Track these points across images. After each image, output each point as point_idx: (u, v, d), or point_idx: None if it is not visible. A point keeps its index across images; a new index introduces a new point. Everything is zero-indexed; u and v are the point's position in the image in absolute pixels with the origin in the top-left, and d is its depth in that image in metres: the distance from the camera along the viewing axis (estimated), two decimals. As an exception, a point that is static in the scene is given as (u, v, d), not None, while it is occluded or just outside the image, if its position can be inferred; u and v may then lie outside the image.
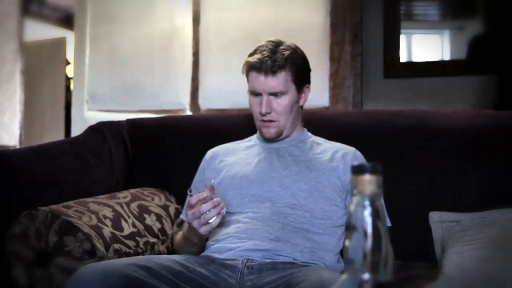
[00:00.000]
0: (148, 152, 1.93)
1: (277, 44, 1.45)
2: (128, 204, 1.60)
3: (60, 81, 4.48)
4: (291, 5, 2.48)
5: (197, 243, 1.38)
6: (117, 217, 1.51)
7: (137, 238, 1.51)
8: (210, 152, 1.61)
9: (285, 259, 1.28)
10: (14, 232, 1.37)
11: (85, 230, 1.35)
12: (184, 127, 1.94)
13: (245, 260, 1.26)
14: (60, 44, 4.52)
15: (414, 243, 1.55)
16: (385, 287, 0.57)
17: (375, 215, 0.58)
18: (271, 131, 1.48)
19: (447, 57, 2.91)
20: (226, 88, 2.51)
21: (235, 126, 1.84)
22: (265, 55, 1.41)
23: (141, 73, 2.73)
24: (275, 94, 1.44)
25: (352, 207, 0.60)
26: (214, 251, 1.34)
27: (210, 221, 1.26)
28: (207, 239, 1.40)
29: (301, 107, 1.55)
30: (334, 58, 2.39)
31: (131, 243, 1.48)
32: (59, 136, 4.25)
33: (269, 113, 1.45)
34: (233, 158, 1.55)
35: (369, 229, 0.58)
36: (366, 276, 0.57)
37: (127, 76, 2.75)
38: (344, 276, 0.59)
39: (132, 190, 1.73)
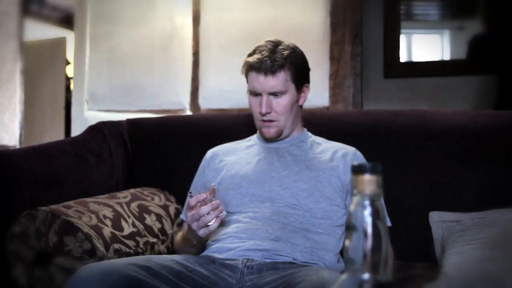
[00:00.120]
0: (148, 152, 1.93)
1: (276, 44, 1.45)
2: (128, 204, 1.60)
3: (60, 81, 4.48)
4: (291, 5, 2.48)
5: (197, 244, 1.38)
6: (117, 217, 1.51)
7: (137, 238, 1.51)
8: (210, 152, 1.61)
9: (285, 259, 1.28)
10: (14, 232, 1.37)
11: (85, 230, 1.35)
12: (184, 127, 1.94)
13: (245, 260, 1.26)
14: (60, 44, 4.52)
15: (414, 243, 1.55)
16: (385, 287, 0.57)
17: (375, 215, 0.58)
18: (271, 131, 1.48)
19: (447, 57, 2.91)
20: (226, 88, 2.51)
21: (235, 126, 1.84)
22: (265, 55, 1.42)
23: (141, 73, 2.73)
24: (274, 94, 1.44)
25: (352, 207, 0.60)
26: (214, 251, 1.34)
27: (209, 224, 1.26)
28: (206, 240, 1.40)
29: (301, 106, 1.55)
30: (334, 58, 2.39)
31: (131, 243, 1.48)
32: (59, 136, 4.25)
33: (269, 113, 1.45)
34: (233, 158, 1.55)
35: (369, 229, 0.58)
36: (366, 276, 0.57)
37: (127, 76, 2.75)
38: (344, 276, 0.59)
39: (132, 190, 1.73)
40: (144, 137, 1.96)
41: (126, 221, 1.52)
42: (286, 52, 1.43)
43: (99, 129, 1.90)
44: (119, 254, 1.41)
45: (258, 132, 1.59)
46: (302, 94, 1.52)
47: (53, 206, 1.41)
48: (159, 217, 1.65)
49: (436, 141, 1.61)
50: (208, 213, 1.25)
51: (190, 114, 2.62)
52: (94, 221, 1.42)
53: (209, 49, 2.60)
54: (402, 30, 2.83)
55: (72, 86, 3.17)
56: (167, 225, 1.66)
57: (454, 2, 2.89)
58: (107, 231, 1.42)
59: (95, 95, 2.82)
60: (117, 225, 1.48)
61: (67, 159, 1.72)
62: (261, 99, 1.44)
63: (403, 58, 2.86)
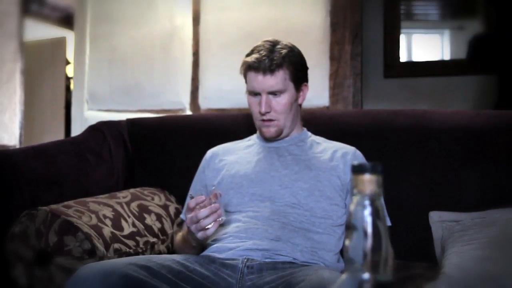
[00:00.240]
0: (148, 152, 1.93)
1: (274, 44, 1.45)
2: (128, 203, 1.60)
3: (60, 81, 4.48)
4: (291, 5, 2.47)
5: (196, 246, 1.37)
6: (117, 217, 1.51)
7: (137, 237, 1.51)
8: (210, 152, 1.61)
9: (285, 259, 1.28)
10: (14, 232, 1.37)
11: (85, 230, 1.35)
12: (184, 127, 1.94)
13: (245, 260, 1.26)
14: (60, 43, 4.52)
15: (414, 243, 1.55)
16: (385, 287, 0.57)
17: (375, 214, 0.58)
18: (271, 130, 1.48)
19: (447, 56, 2.92)
20: (226, 88, 2.51)
21: (235, 125, 1.84)
22: (263, 54, 1.42)
23: (141, 73, 2.73)
24: (274, 93, 1.44)
25: (352, 207, 0.60)
26: (214, 250, 1.34)
27: (207, 227, 1.26)
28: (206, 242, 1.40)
29: (300, 105, 1.55)
30: (334, 58, 2.38)
31: (131, 242, 1.48)
32: (59, 136, 4.25)
33: (268, 112, 1.45)
34: (233, 158, 1.55)
35: (369, 229, 0.58)
36: (366, 275, 0.57)
37: (127, 75, 2.75)
38: (344, 276, 0.59)
39: (132, 190, 1.73)
40: (144, 137, 1.96)
41: (126, 221, 1.52)
42: (284, 51, 1.43)
43: (99, 129, 1.90)
44: (119, 254, 1.41)
45: (258, 132, 1.59)
46: (301, 93, 1.52)
47: (53, 206, 1.41)
48: (159, 217, 1.65)
49: (436, 141, 1.61)
50: (207, 217, 1.25)
51: (190, 114, 2.62)
52: (94, 221, 1.42)
53: (209, 49, 2.60)
54: (402, 30, 2.83)
55: (72, 86, 3.17)
56: (167, 225, 1.66)
57: (454, 2, 2.90)
58: (107, 231, 1.42)
59: (95, 95, 2.82)
60: (117, 225, 1.48)
61: (67, 159, 1.72)
62: (261, 99, 1.44)
63: (403, 58, 2.86)
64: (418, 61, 2.91)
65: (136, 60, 2.74)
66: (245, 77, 1.49)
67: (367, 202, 0.59)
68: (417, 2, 2.98)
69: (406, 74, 2.83)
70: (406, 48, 2.91)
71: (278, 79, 1.42)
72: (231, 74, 2.25)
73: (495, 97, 2.67)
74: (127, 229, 1.50)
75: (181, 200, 1.70)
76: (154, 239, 1.57)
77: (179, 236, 1.51)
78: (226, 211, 1.43)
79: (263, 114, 1.46)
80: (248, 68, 1.44)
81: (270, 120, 1.47)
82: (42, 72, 4.44)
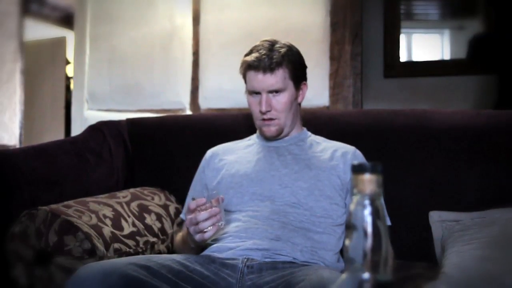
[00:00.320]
0: (148, 152, 1.93)
1: (272, 43, 1.46)
2: (128, 203, 1.60)
3: (60, 81, 4.48)
4: (291, 5, 2.47)
5: (195, 248, 1.37)
6: (117, 217, 1.51)
7: (137, 237, 1.51)
8: (209, 152, 1.61)
9: (285, 259, 1.28)
10: (14, 232, 1.37)
11: (85, 230, 1.35)
12: (184, 127, 1.94)
13: (245, 260, 1.26)
14: (60, 43, 4.52)
15: (414, 243, 1.55)
16: (385, 287, 0.57)
17: (375, 214, 0.58)
18: (271, 130, 1.49)
19: (447, 56, 2.91)
20: (226, 88, 2.51)
21: (235, 125, 1.84)
22: (262, 53, 1.42)
23: (141, 72, 2.73)
24: (274, 92, 1.45)
25: (352, 207, 0.60)
26: (214, 250, 1.34)
27: (206, 230, 1.26)
28: (205, 244, 1.40)
29: (299, 105, 1.55)
30: (334, 58, 2.38)
31: (131, 242, 1.48)
32: (59, 135, 4.25)
33: (269, 111, 1.45)
34: (233, 157, 1.55)
35: (369, 229, 0.58)
36: (366, 275, 0.57)
37: (127, 75, 2.75)
38: (344, 276, 0.59)
39: (132, 190, 1.73)
40: (144, 136, 1.96)
41: (126, 221, 1.52)
42: (283, 50, 1.44)
43: (99, 129, 1.90)
44: (119, 253, 1.41)
45: (258, 131, 1.59)
46: (301, 92, 1.52)
47: (53, 206, 1.41)
48: (159, 217, 1.65)
49: (436, 141, 1.61)
50: (206, 220, 1.25)
51: (190, 113, 2.62)
52: (94, 220, 1.42)
53: (209, 48, 2.60)
54: (402, 30, 2.83)
55: (72, 86, 3.17)
56: (167, 225, 1.66)
57: (454, 1, 2.90)
58: (107, 230, 1.42)
59: (95, 94, 2.82)
60: (117, 225, 1.48)
61: (67, 159, 1.72)
62: (261, 98, 1.45)
63: (403, 57, 2.86)
64: (418, 61, 2.91)
65: (136, 60, 2.74)
66: (244, 77, 1.49)
67: (367, 202, 0.59)
68: (417, 2, 2.98)
69: (406, 74, 2.83)
70: (406, 48, 2.91)
71: (278, 78, 1.43)
72: (231, 73, 2.25)
73: (495, 97, 2.67)
74: (127, 228, 1.50)
75: (181, 200, 1.70)
76: (154, 239, 1.57)
77: (179, 237, 1.51)
78: (226, 211, 1.43)
79: (263, 113, 1.46)
80: (248, 68, 1.45)
81: (271, 119, 1.47)
82: (42, 72, 4.44)
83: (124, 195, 1.65)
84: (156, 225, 1.61)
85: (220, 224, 1.26)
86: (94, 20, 2.84)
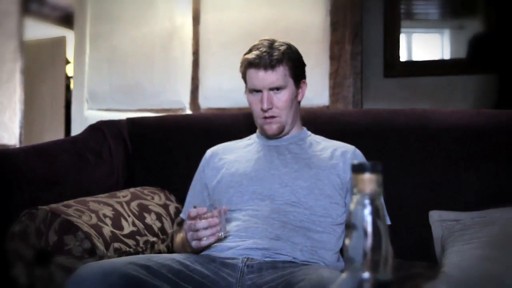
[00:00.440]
0: (148, 151, 1.93)
1: (272, 42, 1.47)
2: (128, 203, 1.60)
3: (60, 80, 4.48)
4: (291, 4, 2.47)
5: (191, 252, 1.38)
6: (117, 216, 1.51)
7: (137, 237, 1.51)
8: (209, 151, 1.62)
9: (285, 258, 1.28)
10: (14, 231, 1.37)
11: (85, 229, 1.35)
12: (184, 126, 1.94)
13: (245, 259, 1.26)
14: (60, 43, 4.52)
15: (414, 242, 1.55)
16: (385, 286, 0.57)
17: (375, 214, 0.58)
18: (273, 127, 1.49)
19: (447, 56, 2.92)
20: (226, 87, 2.51)
21: (235, 125, 1.84)
22: (263, 50, 1.43)
23: (141, 72, 2.73)
24: (274, 89, 1.45)
25: (352, 206, 0.60)
26: (214, 249, 1.34)
27: (203, 239, 1.27)
28: (202, 250, 1.40)
29: (299, 103, 1.56)
30: (334, 57, 2.38)
31: (131, 242, 1.48)
32: (59, 135, 4.25)
33: (270, 108, 1.46)
34: (232, 156, 1.55)
35: (369, 228, 0.58)
36: (366, 275, 0.57)
37: (127, 75, 2.75)
38: (344, 275, 0.59)
39: (132, 189, 1.73)
40: (144, 136, 1.96)
41: (126, 220, 1.52)
42: (283, 48, 1.45)
43: (99, 128, 1.90)
44: (119, 253, 1.41)
45: (258, 131, 1.59)
46: (300, 90, 1.53)
47: (53, 205, 1.41)
48: (159, 216, 1.65)
49: (436, 140, 1.61)
50: (205, 229, 1.26)
51: (190, 113, 2.62)
52: (94, 220, 1.42)
53: (209, 48, 2.60)
54: (402, 29, 2.83)
55: (72, 85, 3.17)
56: (167, 224, 1.66)
57: (454, 1, 2.90)
58: (107, 230, 1.42)
59: (95, 94, 2.82)
60: (117, 224, 1.48)
61: (67, 158, 1.72)
62: (262, 96, 1.45)
63: (403, 57, 2.86)
64: (418, 60, 2.91)
65: (136, 60, 2.74)
66: (244, 76, 1.49)
67: (367, 201, 0.59)
68: (417, 2, 2.98)
69: (406, 74, 2.83)
70: (406, 48, 2.91)
71: (278, 75, 1.43)
72: (231, 73, 2.25)
73: (495, 96, 2.67)
74: (127, 228, 1.50)
75: (181, 200, 1.70)
76: (154, 239, 1.57)
77: (178, 238, 1.51)
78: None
79: (265, 111, 1.46)
80: (249, 65, 1.45)
81: (272, 116, 1.47)
82: (42, 71, 4.44)
83: (124, 194, 1.65)
84: (156, 225, 1.61)
85: (219, 234, 1.27)
86: (94, 19, 2.84)
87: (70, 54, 4.35)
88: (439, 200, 1.55)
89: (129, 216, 1.55)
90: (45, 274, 1.31)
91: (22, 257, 1.34)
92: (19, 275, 1.34)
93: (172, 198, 1.79)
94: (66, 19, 4.33)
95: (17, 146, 3.34)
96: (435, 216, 1.47)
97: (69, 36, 4.18)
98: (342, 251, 1.40)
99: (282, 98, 1.46)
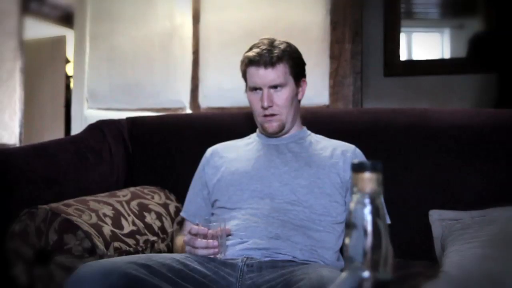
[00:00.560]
0: (148, 151, 1.93)
1: (272, 40, 1.48)
2: (128, 202, 1.60)
3: (60, 80, 4.48)
4: (291, 4, 2.47)
5: None
6: (117, 215, 1.51)
7: (137, 236, 1.51)
8: (210, 150, 1.62)
9: (285, 257, 1.28)
10: (14, 230, 1.37)
11: (85, 228, 1.35)
12: (184, 126, 1.94)
13: (245, 259, 1.26)
14: (60, 42, 4.52)
15: (414, 241, 1.55)
16: (385, 285, 0.57)
17: (375, 213, 0.58)
18: (273, 125, 1.49)
19: (447, 55, 2.91)
20: (226, 86, 2.51)
21: (235, 124, 1.84)
22: (263, 48, 1.44)
23: (141, 71, 2.73)
24: (275, 87, 1.45)
25: (352, 205, 0.59)
26: (214, 249, 1.34)
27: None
28: None
29: (299, 102, 1.56)
30: (334, 57, 2.39)
31: (131, 241, 1.48)
32: (59, 134, 4.26)
33: (270, 106, 1.46)
34: (233, 155, 1.55)
35: (369, 227, 0.58)
36: (366, 274, 0.57)
37: (127, 74, 2.75)
38: (344, 274, 0.59)
39: (132, 188, 1.73)
40: (144, 135, 1.96)
41: (126, 220, 1.52)
42: (283, 46, 1.46)
43: (99, 128, 1.90)
44: (119, 252, 1.41)
45: (258, 130, 1.59)
46: (300, 89, 1.53)
47: (53, 205, 1.41)
48: (159, 216, 1.65)
49: (436, 140, 1.61)
50: (203, 249, 1.27)
51: (190, 112, 2.62)
52: (94, 219, 1.42)
53: (209, 47, 2.60)
54: (402, 29, 2.82)
55: (72, 85, 3.17)
56: (167, 224, 1.66)
57: (454, 0, 2.89)
58: (107, 229, 1.42)
59: (95, 93, 2.82)
60: (117, 224, 1.48)
61: (67, 158, 1.72)
62: (262, 94, 1.45)
63: (403, 56, 2.86)
64: (418, 59, 2.91)
65: (136, 59, 2.74)
66: (245, 74, 1.50)
67: (367, 201, 0.59)
68: (417, 1, 2.97)
69: (406, 73, 2.83)
70: (406, 47, 2.90)
71: (279, 72, 1.44)
72: (231, 72, 2.25)
73: (495, 95, 2.67)
74: (127, 227, 1.50)
75: (181, 199, 1.70)
76: (154, 238, 1.57)
77: (178, 240, 1.52)
78: (226, 208, 1.43)
79: (265, 109, 1.46)
80: (249, 63, 1.45)
81: (272, 114, 1.47)
82: (42, 70, 4.44)
83: (124, 194, 1.65)
84: (156, 224, 1.61)
85: (218, 256, 1.28)
86: (94, 19, 2.84)
87: (70, 53, 4.35)
88: (439, 199, 1.55)
89: (129, 215, 1.55)
90: (45, 274, 1.31)
91: (22, 256, 1.34)
92: (19, 274, 1.34)
93: (172, 197, 1.79)
94: (66, 18, 4.33)
95: (17, 145, 3.34)
96: (435, 215, 1.47)
97: (69, 35, 4.18)
98: (342, 250, 1.40)
99: (282, 96, 1.46)
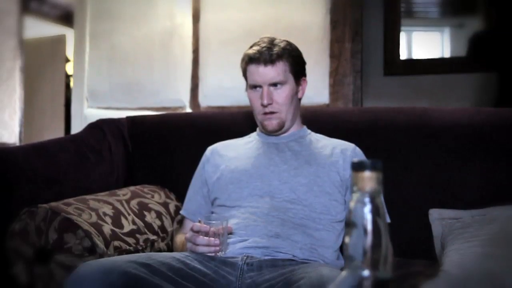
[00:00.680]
0: (148, 150, 1.93)
1: (272, 39, 1.49)
2: (128, 201, 1.60)
3: (60, 79, 4.48)
4: (291, 3, 2.47)
5: None
6: (117, 215, 1.51)
7: (137, 235, 1.51)
8: (210, 148, 1.62)
9: (285, 256, 1.28)
10: (14, 229, 1.37)
11: (85, 227, 1.35)
12: (184, 125, 1.94)
13: (245, 257, 1.26)
14: (60, 41, 4.51)
15: (414, 240, 1.55)
16: (385, 284, 0.57)
17: (375, 212, 0.58)
18: (273, 123, 1.49)
19: (447, 54, 2.91)
20: (226, 85, 2.51)
21: (235, 123, 1.84)
22: (263, 46, 1.45)
23: (141, 70, 2.73)
24: (275, 85, 1.45)
25: (352, 204, 0.59)
26: (214, 248, 1.34)
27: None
28: None
29: (299, 100, 1.56)
30: (334, 56, 2.38)
31: (131, 240, 1.48)
32: (59, 133, 4.25)
33: (270, 104, 1.46)
34: (232, 154, 1.55)
35: (369, 226, 0.58)
36: (366, 273, 0.57)
37: (127, 73, 2.75)
38: (344, 273, 0.59)
39: (132, 188, 1.73)
40: (144, 134, 1.96)
41: (126, 219, 1.52)
42: (283, 44, 1.47)
43: (99, 127, 1.90)
44: (119, 251, 1.41)
45: (258, 129, 1.59)
46: (300, 87, 1.53)
47: (53, 204, 1.41)
48: (159, 215, 1.65)
49: (436, 139, 1.61)
50: (204, 246, 1.27)
51: (190, 111, 2.62)
52: (94, 218, 1.42)
53: (209, 46, 2.60)
54: (402, 28, 2.82)
55: (72, 84, 3.17)
56: (167, 223, 1.66)
57: (454, -1, 2.89)
58: (107, 228, 1.42)
59: (95, 92, 2.82)
60: (117, 223, 1.48)
61: (67, 157, 1.72)
62: (262, 91, 1.46)
63: (403, 55, 2.86)
64: (418, 58, 2.90)
65: (136, 58, 2.74)
66: (245, 72, 1.50)
67: (367, 199, 0.59)
68: (417, 0, 2.97)
69: (406, 72, 2.83)
70: (406, 46, 2.90)
71: (279, 70, 1.44)
72: (231, 71, 2.25)
73: (495, 94, 2.67)
74: (127, 226, 1.50)
75: (181, 198, 1.71)
76: (154, 237, 1.57)
77: (179, 239, 1.52)
78: (226, 206, 1.43)
79: (265, 107, 1.46)
80: (250, 61, 1.46)
81: (272, 112, 1.48)
82: (42, 70, 4.44)
83: (124, 193, 1.65)
84: (156, 223, 1.61)
85: (219, 254, 1.28)
86: (94, 18, 2.84)
87: (70, 52, 4.35)
88: (439, 198, 1.55)
89: (129, 214, 1.55)
90: (45, 273, 1.31)
91: (22, 255, 1.35)
92: (19, 273, 1.34)
93: (172, 196, 1.79)
94: (66, 17, 4.33)
95: (17, 144, 3.34)
96: (435, 214, 1.47)
97: (69, 34, 4.18)
98: (342, 249, 1.40)
99: (282, 94, 1.46)
